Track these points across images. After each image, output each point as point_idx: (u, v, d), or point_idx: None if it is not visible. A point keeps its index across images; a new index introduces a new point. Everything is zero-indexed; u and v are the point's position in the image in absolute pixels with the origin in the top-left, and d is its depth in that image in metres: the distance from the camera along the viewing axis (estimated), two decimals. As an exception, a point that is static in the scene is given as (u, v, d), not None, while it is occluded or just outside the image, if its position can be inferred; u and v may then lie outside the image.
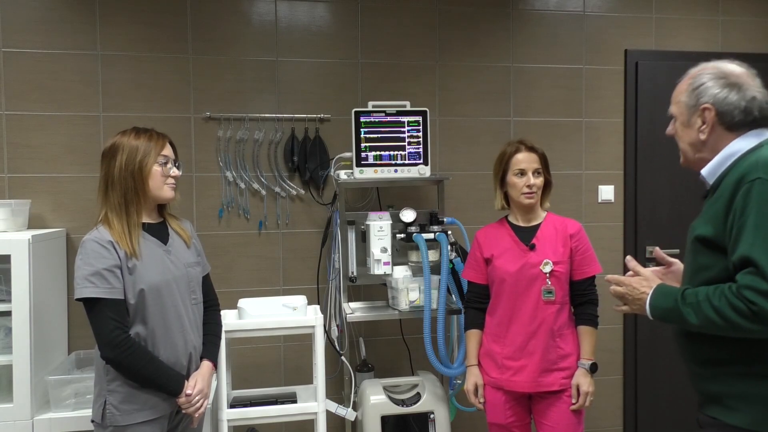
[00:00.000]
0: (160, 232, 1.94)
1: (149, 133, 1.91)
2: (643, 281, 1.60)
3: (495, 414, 2.30)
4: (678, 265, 1.75)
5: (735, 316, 1.37)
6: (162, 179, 1.89)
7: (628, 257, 1.72)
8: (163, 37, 2.96)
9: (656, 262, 1.79)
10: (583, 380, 2.22)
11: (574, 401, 2.22)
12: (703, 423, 1.54)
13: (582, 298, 2.30)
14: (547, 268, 2.23)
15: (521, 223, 2.34)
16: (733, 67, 1.56)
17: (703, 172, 1.57)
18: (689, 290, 1.48)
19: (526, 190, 2.27)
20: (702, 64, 1.61)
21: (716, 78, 1.54)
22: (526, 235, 2.30)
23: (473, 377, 2.34)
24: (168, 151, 1.93)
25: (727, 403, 1.46)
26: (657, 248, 1.80)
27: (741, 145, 1.51)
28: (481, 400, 2.33)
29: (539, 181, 2.30)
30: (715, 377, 1.49)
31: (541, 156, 2.33)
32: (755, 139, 1.52)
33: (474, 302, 2.41)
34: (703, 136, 1.55)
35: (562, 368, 2.24)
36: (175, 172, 1.94)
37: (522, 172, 2.28)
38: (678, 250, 3.36)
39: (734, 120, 1.51)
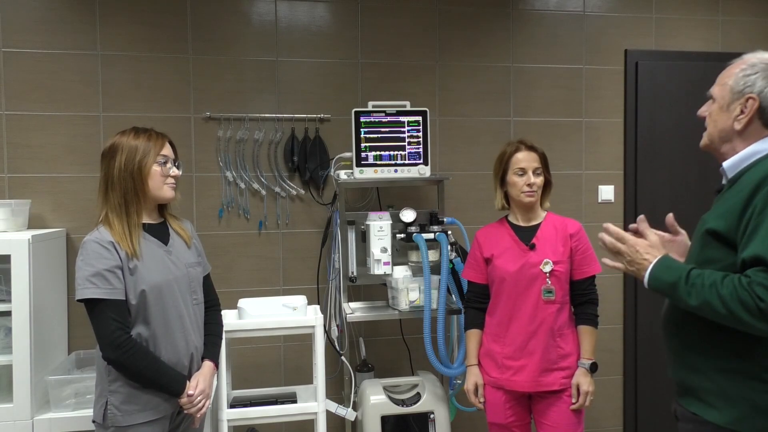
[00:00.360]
0: (160, 232, 1.94)
1: (148, 132, 1.91)
2: (650, 248, 1.56)
3: (495, 414, 2.30)
4: (683, 237, 1.72)
5: (740, 309, 1.35)
6: (161, 179, 1.89)
7: (641, 216, 1.64)
8: (163, 37, 2.96)
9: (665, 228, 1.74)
10: (583, 380, 2.22)
11: (574, 401, 2.22)
12: (681, 416, 1.55)
13: (582, 298, 2.30)
14: (547, 268, 2.23)
15: (521, 223, 2.35)
16: None
17: (725, 164, 1.55)
18: (695, 271, 1.45)
19: (527, 189, 2.27)
20: (761, 52, 1.56)
21: None
22: (526, 235, 2.30)
23: (473, 377, 2.34)
24: (167, 150, 1.93)
25: (707, 399, 1.47)
26: (671, 214, 1.73)
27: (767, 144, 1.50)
28: (481, 400, 2.33)
29: (539, 180, 2.30)
30: (698, 369, 1.49)
31: (541, 155, 2.33)
32: None
33: (474, 302, 2.41)
34: (738, 126, 1.52)
35: (563, 368, 2.24)
36: (174, 171, 1.94)
37: (522, 171, 2.28)
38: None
39: None
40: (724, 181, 1.57)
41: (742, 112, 1.51)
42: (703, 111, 1.62)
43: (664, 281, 1.49)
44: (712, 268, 1.46)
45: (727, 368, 1.45)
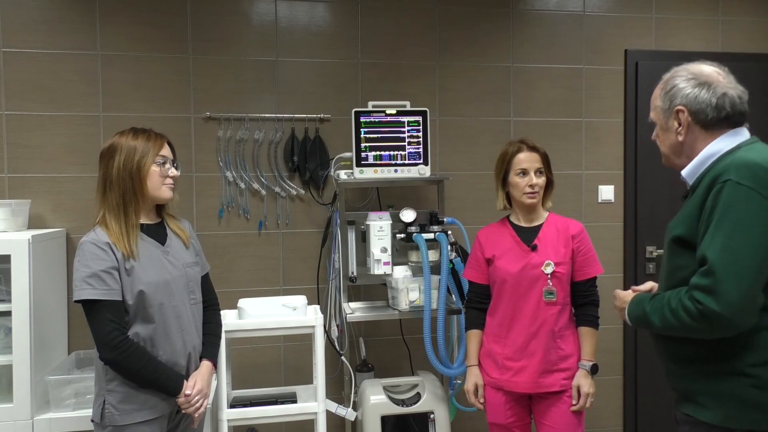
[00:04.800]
0: (158, 232, 1.94)
1: (147, 133, 1.91)
2: (629, 294, 1.71)
3: (495, 414, 2.30)
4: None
5: (685, 317, 1.42)
6: (160, 180, 1.89)
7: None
8: (163, 37, 2.96)
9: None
10: (583, 381, 2.22)
11: (574, 402, 2.22)
12: (679, 420, 1.58)
13: (583, 299, 2.29)
14: (549, 269, 2.22)
15: (523, 224, 2.34)
16: (704, 67, 1.59)
17: (683, 173, 1.60)
18: (658, 296, 1.55)
19: (528, 190, 2.26)
20: (674, 68, 1.63)
21: (687, 79, 1.57)
22: (528, 236, 2.30)
23: (473, 377, 2.34)
24: (166, 151, 1.93)
25: (699, 401, 1.50)
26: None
27: (720, 146, 1.53)
28: (481, 401, 2.33)
29: (541, 180, 2.29)
30: (688, 375, 1.53)
31: (543, 155, 2.32)
32: (732, 140, 1.54)
33: (475, 302, 2.40)
34: (680, 138, 1.58)
35: (563, 369, 2.24)
36: (173, 172, 1.94)
37: (524, 172, 2.27)
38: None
39: (708, 118, 1.53)
40: (687, 188, 1.61)
41: (679, 124, 1.57)
42: (653, 136, 1.70)
43: (635, 315, 1.62)
44: (681, 275, 1.51)
45: (712, 371, 1.47)
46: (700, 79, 1.55)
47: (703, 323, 1.38)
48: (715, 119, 1.53)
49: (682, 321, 1.42)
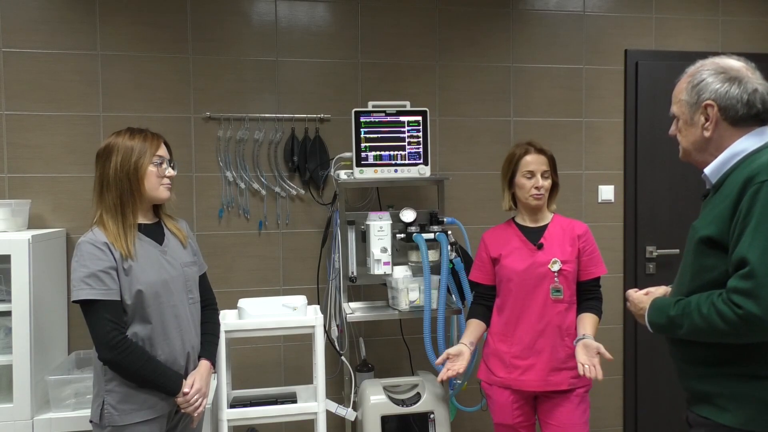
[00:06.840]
0: (155, 232, 1.94)
1: (144, 133, 1.91)
2: (644, 297, 1.67)
3: (503, 414, 2.30)
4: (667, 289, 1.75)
5: (720, 321, 1.37)
6: (157, 180, 1.90)
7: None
8: (163, 37, 2.96)
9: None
10: (586, 348, 2.13)
11: (581, 373, 2.08)
12: (693, 422, 1.55)
13: (588, 295, 2.32)
14: (556, 267, 2.24)
15: (529, 224, 2.36)
16: (732, 62, 1.55)
17: (707, 170, 1.55)
18: (682, 301, 1.49)
19: (535, 191, 2.28)
20: (700, 61, 1.59)
21: (716, 73, 1.52)
22: (534, 235, 2.31)
23: (457, 347, 2.27)
24: (163, 151, 1.93)
25: (717, 403, 1.46)
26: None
27: (746, 144, 1.50)
28: (447, 366, 2.24)
29: (547, 183, 2.31)
30: (706, 377, 1.49)
31: (550, 158, 2.35)
32: (759, 139, 1.50)
33: (480, 301, 2.42)
34: (707, 134, 1.53)
35: (571, 367, 2.24)
36: (170, 172, 1.94)
37: (531, 174, 2.29)
38: (678, 250, 3.35)
39: (738, 114, 1.49)
40: (708, 186, 1.57)
41: (706, 119, 1.53)
42: (672, 131, 1.65)
43: (658, 323, 1.57)
44: (708, 276, 1.47)
45: (735, 373, 1.44)
46: (730, 74, 1.51)
47: (741, 327, 1.34)
48: (745, 115, 1.49)
49: (714, 326, 1.38)
